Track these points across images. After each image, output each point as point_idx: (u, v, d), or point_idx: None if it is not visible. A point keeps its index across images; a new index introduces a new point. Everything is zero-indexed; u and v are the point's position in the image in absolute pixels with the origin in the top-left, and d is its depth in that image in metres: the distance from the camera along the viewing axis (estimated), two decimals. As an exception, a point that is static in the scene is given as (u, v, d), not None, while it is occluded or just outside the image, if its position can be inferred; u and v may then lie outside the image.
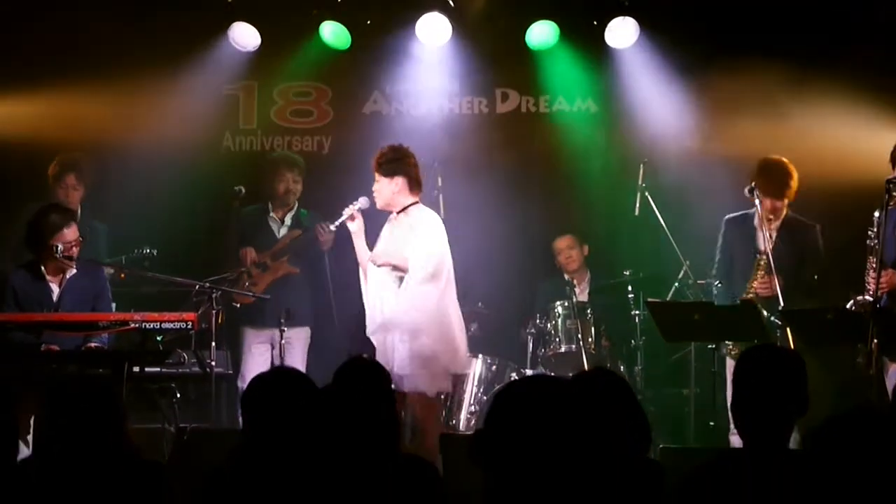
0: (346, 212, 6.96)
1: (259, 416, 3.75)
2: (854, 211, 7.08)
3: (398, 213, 6.88)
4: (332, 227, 7.18)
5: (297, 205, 8.18)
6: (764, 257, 6.92)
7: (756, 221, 7.06)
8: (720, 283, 7.25)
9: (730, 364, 6.91)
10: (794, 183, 7.03)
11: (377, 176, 6.88)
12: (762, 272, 6.94)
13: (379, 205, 6.93)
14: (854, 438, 2.92)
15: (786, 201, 7.06)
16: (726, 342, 6.89)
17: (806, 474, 3.28)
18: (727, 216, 7.33)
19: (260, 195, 8.19)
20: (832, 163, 8.04)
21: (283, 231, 8.13)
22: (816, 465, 2.97)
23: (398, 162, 6.86)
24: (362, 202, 6.99)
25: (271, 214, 8.16)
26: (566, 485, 2.75)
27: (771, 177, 7.01)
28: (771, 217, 7.01)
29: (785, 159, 7.11)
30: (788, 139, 8.16)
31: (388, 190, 6.84)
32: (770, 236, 6.98)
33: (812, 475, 3.23)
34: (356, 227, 6.94)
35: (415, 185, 6.88)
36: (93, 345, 6.75)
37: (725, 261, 7.28)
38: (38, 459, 3.74)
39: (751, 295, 6.93)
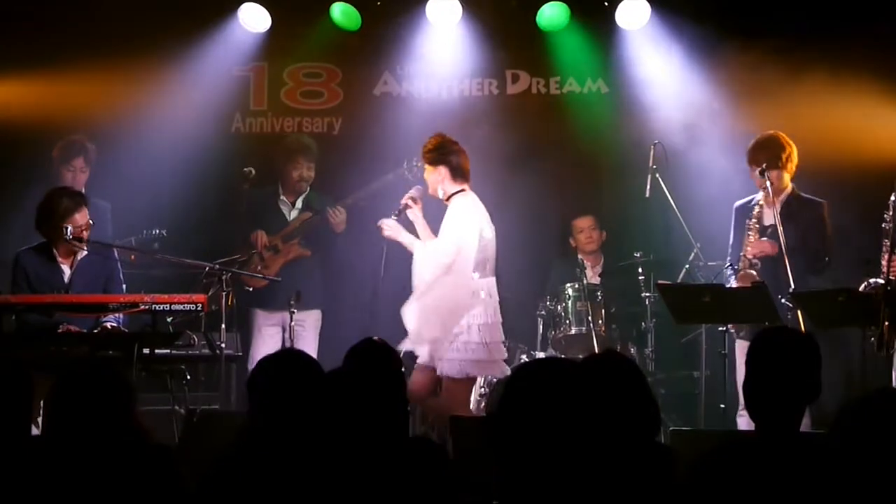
0: (402, 201, 7.08)
1: (265, 397, 3.75)
2: (866, 192, 7.04)
3: (446, 201, 6.95)
4: (394, 216, 7.08)
5: (308, 188, 8.18)
6: (753, 221, 6.91)
7: (761, 200, 7.02)
8: (732, 266, 7.24)
9: (739, 345, 6.88)
10: (789, 154, 6.95)
11: (425, 165, 7.03)
12: (753, 234, 6.92)
13: (429, 192, 7.05)
14: (872, 423, 2.90)
15: (784, 174, 6.99)
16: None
17: (817, 458, 3.28)
18: (735, 203, 7.30)
19: (270, 177, 8.17)
20: (846, 143, 8.01)
21: (294, 214, 8.13)
22: (831, 449, 2.95)
23: (439, 151, 6.95)
24: (414, 190, 7.08)
25: (282, 197, 8.15)
26: (578, 468, 2.74)
27: (761, 149, 6.99)
28: (765, 188, 6.96)
29: (779, 132, 7.07)
30: (801, 119, 8.11)
31: (432, 179, 6.96)
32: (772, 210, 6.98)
33: (824, 459, 3.22)
34: (413, 215, 7.04)
35: (458, 173, 6.94)
36: (109, 324, 6.75)
37: (736, 247, 7.25)
38: (48, 442, 3.74)
39: (747, 262, 6.89)
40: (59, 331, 6.63)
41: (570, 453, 2.76)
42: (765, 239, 6.90)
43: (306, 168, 8.11)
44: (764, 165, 6.89)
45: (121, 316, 6.81)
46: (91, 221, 6.86)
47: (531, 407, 2.77)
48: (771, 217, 6.96)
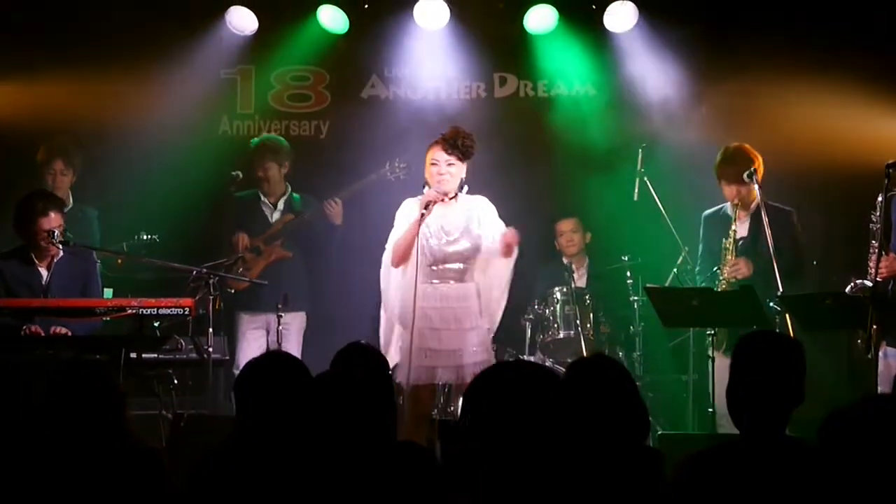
0: (432, 199, 6.56)
1: (251, 400, 3.74)
2: (856, 195, 7.05)
3: (450, 199, 6.65)
4: (423, 212, 6.55)
5: (289, 189, 8.17)
6: (729, 241, 6.91)
7: (730, 211, 7.03)
8: (699, 275, 7.26)
9: (719, 361, 6.73)
10: (757, 167, 6.95)
11: (452, 158, 6.57)
12: (730, 256, 6.92)
13: (445, 188, 6.56)
14: (861, 428, 2.90)
15: (753, 187, 6.94)
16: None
17: (801, 462, 3.27)
18: (704, 213, 7.31)
19: (252, 180, 8.16)
20: (834, 146, 8.02)
21: (276, 216, 8.12)
22: (818, 454, 2.95)
23: (474, 147, 6.63)
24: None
25: (264, 199, 8.14)
26: (560, 472, 2.73)
27: (731, 162, 7.00)
28: (737, 203, 6.97)
29: (746, 145, 7.07)
30: (788, 122, 8.15)
31: (459, 174, 6.61)
32: (744, 222, 7.00)
33: (808, 463, 3.22)
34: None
35: None
36: (61, 330, 6.69)
37: (705, 255, 7.26)
38: (38, 444, 3.73)
39: (723, 282, 6.88)
40: (23, 333, 6.58)
41: (543, 457, 2.74)
42: (741, 258, 6.89)
43: (276, 168, 8.12)
44: (753, 168, 6.88)
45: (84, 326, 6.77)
46: (63, 224, 6.83)
47: (489, 410, 2.77)
48: (744, 230, 6.99)
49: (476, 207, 6.73)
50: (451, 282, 6.67)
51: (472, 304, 6.68)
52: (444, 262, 6.65)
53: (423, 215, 6.50)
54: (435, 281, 6.64)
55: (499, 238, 6.63)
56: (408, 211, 6.68)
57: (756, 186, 6.84)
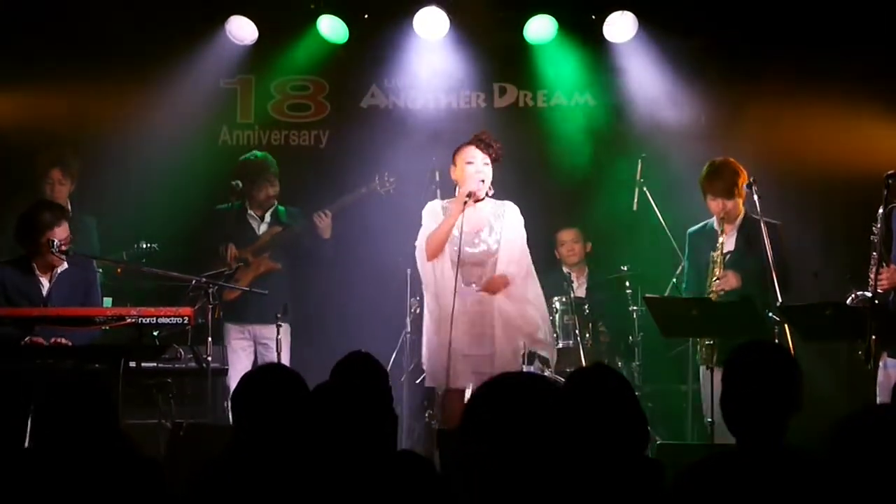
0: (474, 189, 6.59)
1: (249, 412, 3.73)
2: (856, 205, 7.05)
3: (474, 202, 6.66)
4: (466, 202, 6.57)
5: (275, 202, 8.18)
6: (717, 254, 6.90)
7: (716, 226, 7.03)
8: (685, 293, 7.25)
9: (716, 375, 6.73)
10: (743, 182, 6.96)
11: (487, 158, 6.64)
12: (718, 269, 6.91)
13: (480, 193, 6.63)
14: (862, 439, 2.90)
15: (738, 201, 6.97)
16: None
17: (801, 472, 3.27)
18: (689, 230, 7.30)
19: (249, 199, 8.14)
20: (833, 156, 8.03)
21: (263, 228, 8.12)
22: (819, 465, 2.94)
23: (502, 152, 6.71)
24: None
25: (250, 212, 8.14)
26: (561, 483, 2.72)
27: (717, 177, 6.97)
28: (723, 217, 6.97)
29: (731, 159, 7.06)
30: (788, 133, 8.15)
31: (491, 176, 6.66)
32: (730, 236, 6.99)
33: (809, 473, 3.22)
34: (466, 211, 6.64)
35: None
36: (61, 341, 6.69)
37: (692, 272, 7.25)
38: (37, 455, 3.73)
39: (712, 296, 6.86)
40: (23, 343, 6.55)
41: (547, 468, 2.74)
42: (729, 271, 6.88)
43: (272, 187, 8.12)
44: (752, 179, 6.88)
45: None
46: (71, 235, 6.83)
47: (487, 422, 2.77)
48: (730, 243, 6.98)
49: (499, 212, 6.74)
50: (465, 285, 6.63)
51: (486, 310, 6.63)
52: (462, 265, 6.62)
53: (465, 203, 6.52)
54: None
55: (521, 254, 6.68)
56: (434, 209, 6.74)
57: (755, 197, 6.82)
